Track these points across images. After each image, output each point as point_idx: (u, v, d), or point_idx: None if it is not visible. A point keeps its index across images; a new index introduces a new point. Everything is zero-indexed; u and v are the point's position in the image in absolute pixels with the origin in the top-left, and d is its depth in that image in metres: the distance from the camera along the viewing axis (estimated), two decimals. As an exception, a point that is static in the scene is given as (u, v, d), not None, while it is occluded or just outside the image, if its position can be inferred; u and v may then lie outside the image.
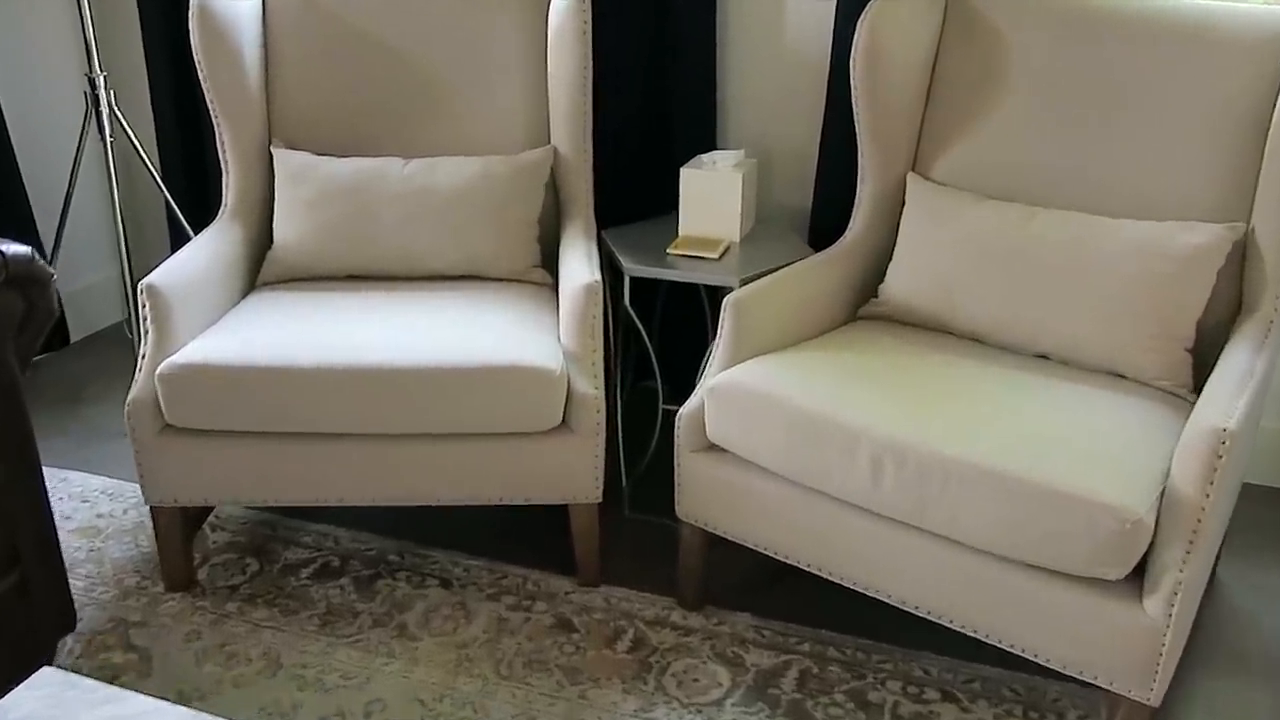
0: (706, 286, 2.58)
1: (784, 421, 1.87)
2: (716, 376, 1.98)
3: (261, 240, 2.49)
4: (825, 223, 2.59)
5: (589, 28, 2.36)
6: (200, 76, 2.38)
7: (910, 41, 2.25)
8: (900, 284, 2.21)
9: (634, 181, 2.70)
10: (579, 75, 2.39)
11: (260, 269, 2.44)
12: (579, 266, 2.21)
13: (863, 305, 2.30)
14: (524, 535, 2.40)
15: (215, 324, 2.22)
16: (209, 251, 2.33)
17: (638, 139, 2.68)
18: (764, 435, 1.91)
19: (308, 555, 2.34)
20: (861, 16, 2.20)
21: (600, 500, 2.17)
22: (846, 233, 2.36)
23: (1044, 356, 2.08)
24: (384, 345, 2.06)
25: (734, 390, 1.94)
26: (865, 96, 2.24)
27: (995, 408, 1.85)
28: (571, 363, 2.10)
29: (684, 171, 2.39)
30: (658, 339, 2.78)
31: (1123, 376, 2.00)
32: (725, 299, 2.04)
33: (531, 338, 2.13)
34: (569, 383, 2.09)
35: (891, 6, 2.20)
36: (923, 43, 2.27)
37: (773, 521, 1.97)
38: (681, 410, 2.04)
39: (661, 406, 2.40)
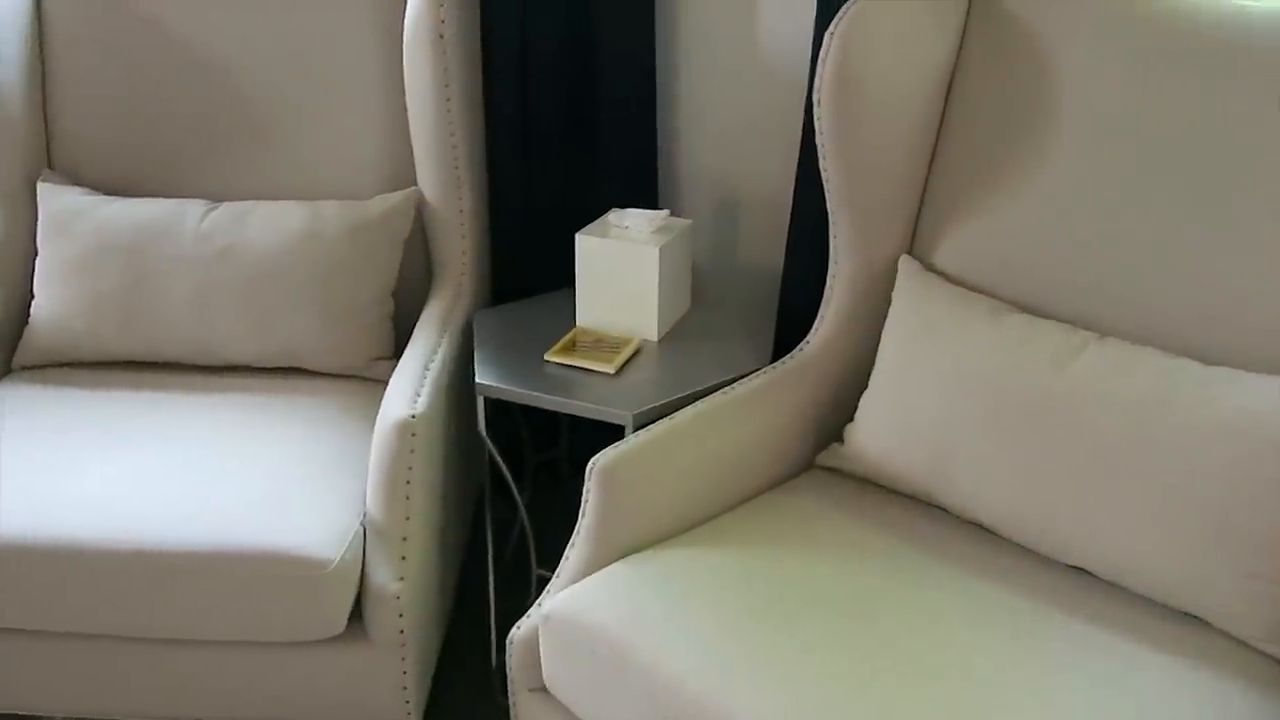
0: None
1: (642, 695, 1.17)
2: (556, 597, 1.29)
3: (22, 308, 1.84)
4: (801, 302, 1.85)
5: (447, 31, 1.65)
6: (-76, 86, 1.73)
7: (909, 62, 1.49)
8: (873, 430, 1.48)
9: (550, 241, 1.97)
10: (437, 97, 1.69)
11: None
12: (402, 385, 1.53)
13: (825, 449, 1.57)
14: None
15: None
16: (-69, 328, 1.70)
17: (556, 181, 1.96)
18: (614, 707, 1.21)
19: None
20: (833, 24, 1.45)
21: (415, 730, 1.50)
22: (809, 337, 1.63)
23: (1082, 569, 1.34)
24: (90, 509, 1.40)
25: (573, 630, 1.24)
26: (835, 142, 1.50)
27: (982, 694, 1.12)
28: (374, 537, 1.43)
29: (580, 239, 1.67)
30: (568, 463, 2.08)
31: (1207, 624, 1.25)
32: (591, 463, 1.34)
33: (322, 493, 1.46)
34: (363, 572, 1.41)
35: (880, 8, 1.45)
36: (930, 64, 1.52)
37: (633, 824, 1.28)
38: (513, 634, 1.35)
39: (535, 572, 1.71)
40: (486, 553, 1.73)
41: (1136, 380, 1.28)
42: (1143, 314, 1.36)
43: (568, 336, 1.68)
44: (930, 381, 1.42)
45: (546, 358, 1.62)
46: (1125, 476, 1.26)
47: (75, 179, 1.87)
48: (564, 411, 1.53)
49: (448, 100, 1.69)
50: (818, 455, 1.57)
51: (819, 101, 1.47)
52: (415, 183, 1.82)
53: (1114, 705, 1.12)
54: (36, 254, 1.80)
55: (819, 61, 1.45)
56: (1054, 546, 1.33)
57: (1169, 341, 1.34)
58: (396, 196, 1.77)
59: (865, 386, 1.54)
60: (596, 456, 1.35)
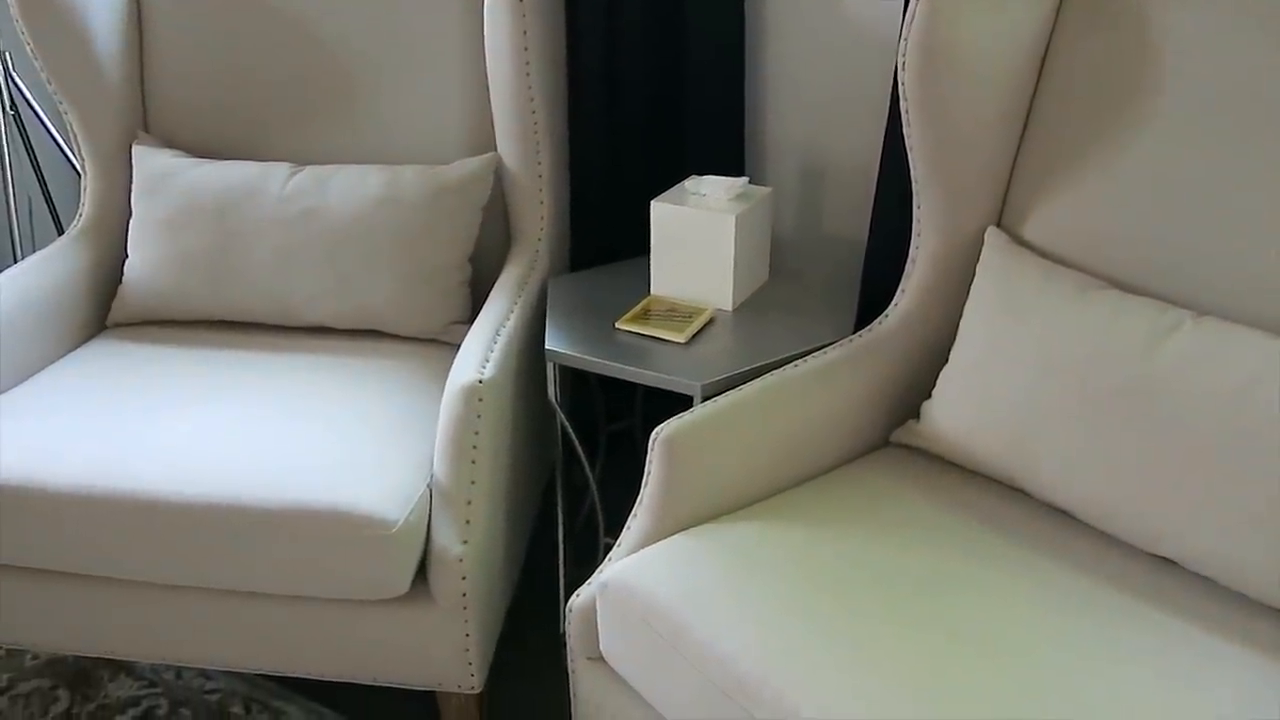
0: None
1: (695, 670, 1.16)
2: (614, 566, 1.27)
3: (117, 267, 1.90)
4: (886, 275, 1.79)
5: (527, -6, 1.64)
6: (27, 48, 1.79)
7: (1000, 28, 1.43)
8: (952, 408, 1.43)
9: (633, 207, 1.94)
10: (515, 61, 1.68)
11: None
12: (471, 350, 1.53)
13: (900, 425, 1.53)
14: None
15: (10, 391, 1.66)
16: (33, 283, 1.76)
17: (640, 147, 1.93)
18: (667, 681, 1.20)
19: (136, 692, 1.78)
20: (919, -14, 1.39)
21: (479, 690, 1.51)
22: (888, 311, 1.58)
23: (1164, 558, 1.27)
24: (166, 463, 1.44)
25: (628, 601, 1.23)
26: (921, 111, 1.44)
27: (1049, 681, 1.08)
28: (439, 500, 1.44)
29: (655, 206, 1.65)
30: (642, 433, 2.06)
31: (1299, 622, 1.18)
32: (653, 434, 1.33)
33: (392, 455, 1.47)
34: (428, 534, 1.42)
35: (971, -29, 1.39)
36: (1023, 31, 1.45)
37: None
38: (572, 602, 1.35)
39: (603, 540, 1.70)
40: (558, 520, 1.73)
41: (1234, 363, 1.21)
42: (1242, 293, 1.28)
43: (641, 305, 1.66)
44: (1014, 359, 1.36)
45: (618, 325, 1.60)
46: (1220, 465, 1.19)
47: (169, 142, 1.91)
48: (631, 380, 1.51)
49: (526, 65, 1.68)
50: (893, 432, 1.52)
51: (904, 68, 1.42)
52: (496, 148, 1.82)
53: (1191, 697, 1.06)
54: (131, 215, 1.85)
55: (904, 26, 1.40)
56: (1143, 536, 1.26)
57: (1270, 323, 1.26)
58: (475, 162, 1.77)
59: (945, 362, 1.48)
60: (659, 427, 1.33)
